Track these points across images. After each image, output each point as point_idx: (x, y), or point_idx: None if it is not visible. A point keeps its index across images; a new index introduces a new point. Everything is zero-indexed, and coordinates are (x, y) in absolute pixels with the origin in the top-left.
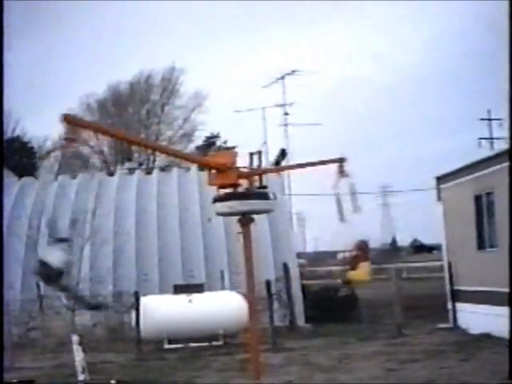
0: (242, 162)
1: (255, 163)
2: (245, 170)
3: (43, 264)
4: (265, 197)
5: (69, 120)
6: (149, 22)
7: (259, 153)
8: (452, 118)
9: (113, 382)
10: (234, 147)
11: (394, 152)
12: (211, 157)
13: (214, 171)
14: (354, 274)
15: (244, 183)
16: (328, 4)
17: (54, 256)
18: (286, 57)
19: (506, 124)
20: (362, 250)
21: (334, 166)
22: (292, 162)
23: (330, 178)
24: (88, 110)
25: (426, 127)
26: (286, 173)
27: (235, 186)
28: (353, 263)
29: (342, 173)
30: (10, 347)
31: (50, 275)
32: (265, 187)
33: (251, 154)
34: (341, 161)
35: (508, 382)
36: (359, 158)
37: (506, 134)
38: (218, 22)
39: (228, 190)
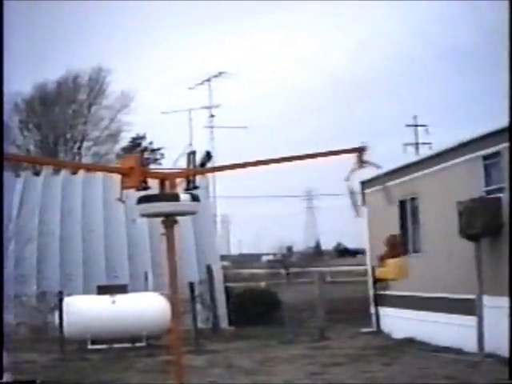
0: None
1: (190, 163)
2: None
3: None
4: (178, 199)
5: None
6: (77, 21)
7: (193, 153)
8: (378, 123)
9: (38, 381)
10: (159, 149)
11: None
12: (119, 162)
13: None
14: (381, 272)
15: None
16: (256, 5)
17: None
18: (213, 59)
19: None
20: (392, 245)
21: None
22: (217, 165)
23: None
24: (15, 109)
25: (352, 131)
26: (211, 175)
27: (145, 188)
28: (381, 260)
29: (362, 162)
30: None
31: None
32: (195, 188)
33: (189, 155)
34: (361, 150)
35: (508, 382)
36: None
37: (432, 139)
38: (146, 23)
39: (153, 192)
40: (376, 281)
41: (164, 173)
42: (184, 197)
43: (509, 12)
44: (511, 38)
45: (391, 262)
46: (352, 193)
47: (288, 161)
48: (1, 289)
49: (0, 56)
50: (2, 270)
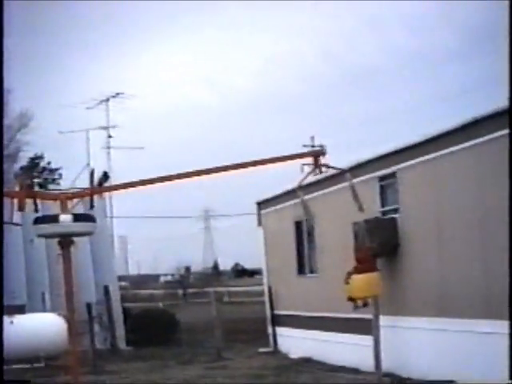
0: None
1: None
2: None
3: None
4: (83, 219)
5: None
6: None
7: (91, 172)
8: (278, 143)
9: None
10: (57, 169)
11: (219, 176)
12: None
13: None
14: (346, 289)
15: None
16: (159, 27)
17: None
18: (111, 79)
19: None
20: (360, 260)
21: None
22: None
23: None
24: None
25: (253, 152)
26: (108, 195)
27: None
28: (346, 277)
29: (318, 167)
30: None
31: None
32: (92, 207)
33: (92, 174)
34: (318, 154)
35: (508, 382)
36: (183, 182)
37: (330, 161)
38: (43, 41)
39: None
40: (349, 299)
41: (55, 194)
42: (64, 218)
43: (509, 12)
44: (511, 38)
45: (356, 278)
46: (353, 188)
47: (232, 169)
48: (0, 290)
49: (0, 56)
50: (1, 270)
